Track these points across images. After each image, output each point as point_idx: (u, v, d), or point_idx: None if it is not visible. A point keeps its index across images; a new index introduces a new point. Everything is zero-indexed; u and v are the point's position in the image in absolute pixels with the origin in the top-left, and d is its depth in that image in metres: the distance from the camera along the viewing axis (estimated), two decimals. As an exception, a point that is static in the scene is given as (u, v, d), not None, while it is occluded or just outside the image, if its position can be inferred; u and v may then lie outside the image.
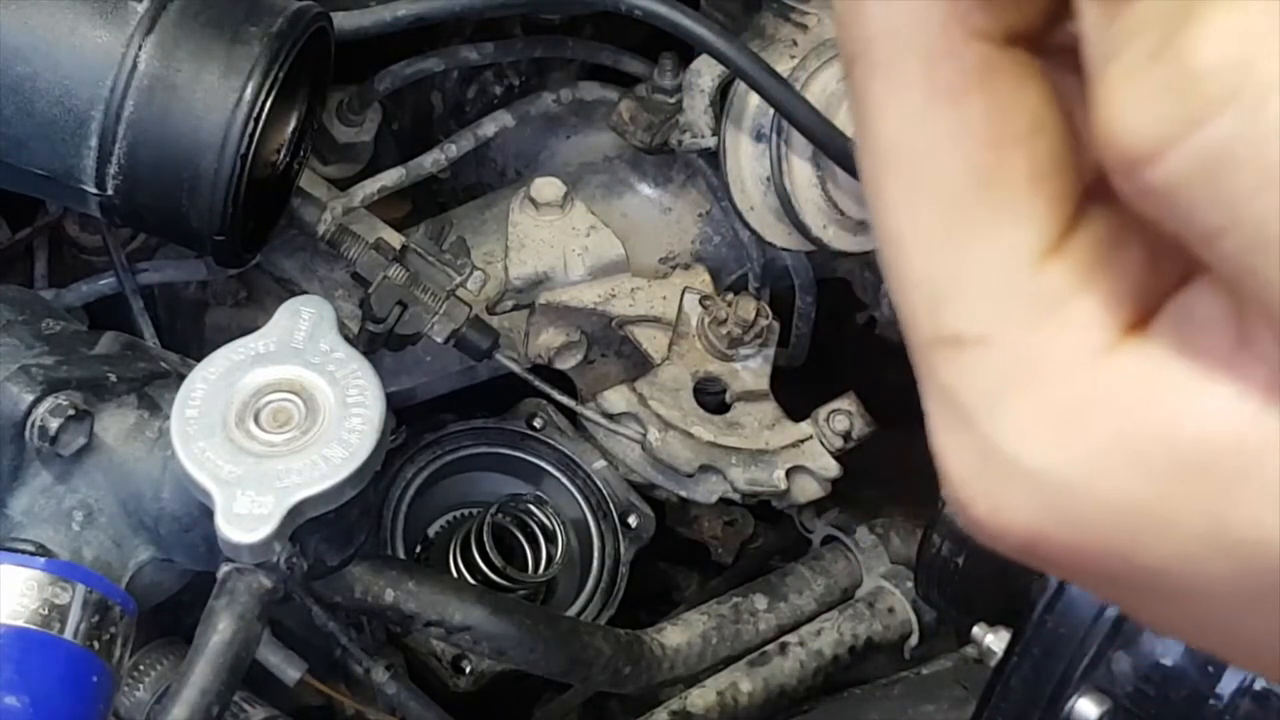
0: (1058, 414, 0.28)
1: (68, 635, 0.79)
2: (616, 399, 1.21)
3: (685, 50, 1.18)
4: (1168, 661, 0.75)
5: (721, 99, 1.19)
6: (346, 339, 0.83)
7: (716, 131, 1.19)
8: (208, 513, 0.76)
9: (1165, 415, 0.27)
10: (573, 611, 1.23)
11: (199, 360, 0.82)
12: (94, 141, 0.90)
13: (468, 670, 1.19)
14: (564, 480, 1.28)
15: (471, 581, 1.19)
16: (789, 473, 1.21)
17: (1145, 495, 0.27)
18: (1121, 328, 0.28)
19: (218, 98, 0.90)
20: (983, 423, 0.28)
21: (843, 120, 1.12)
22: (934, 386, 0.29)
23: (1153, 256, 0.28)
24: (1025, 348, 0.28)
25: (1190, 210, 0.25)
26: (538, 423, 1.30)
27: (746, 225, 1.22)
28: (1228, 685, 0.73)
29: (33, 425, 0.81)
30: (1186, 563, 0.27)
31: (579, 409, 1.22)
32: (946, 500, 0.30)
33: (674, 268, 1.29)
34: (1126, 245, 0.28)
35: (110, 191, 0.92)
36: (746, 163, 1.19)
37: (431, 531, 1.27)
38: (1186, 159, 0.24)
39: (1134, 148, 0.25)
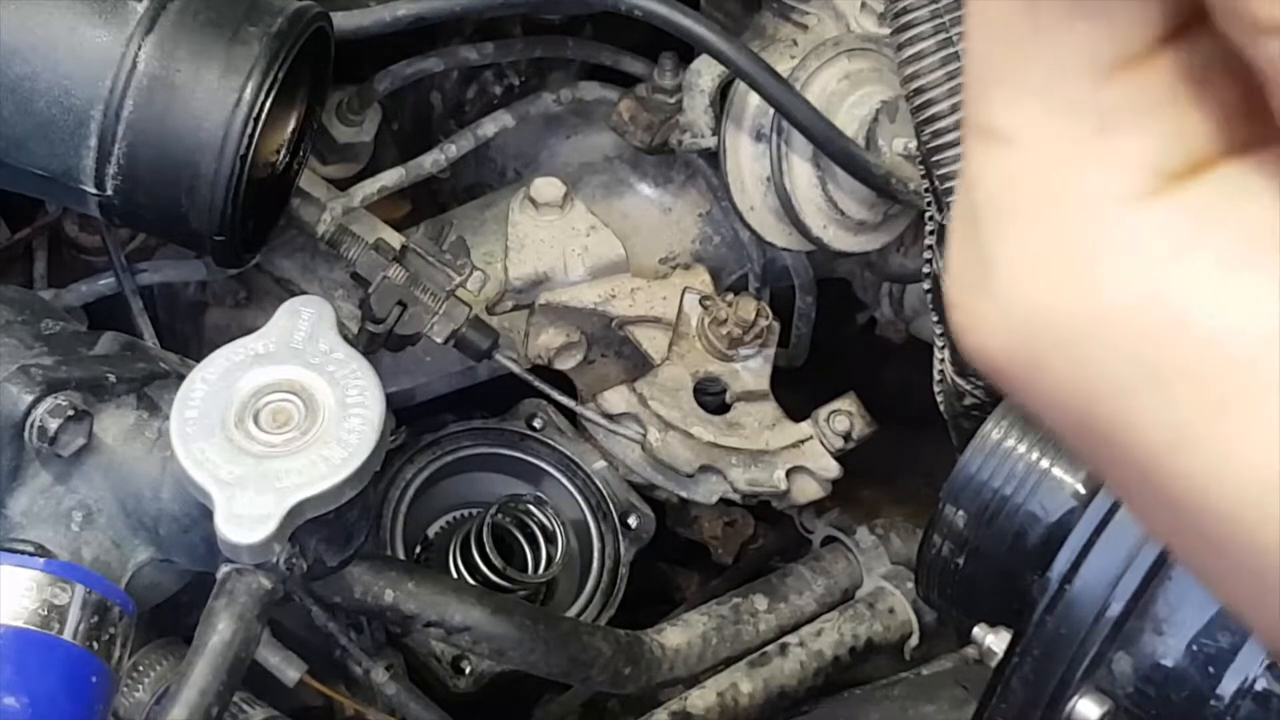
0: (1066, 252, 0.25)
1: (67, 636, 0.79)
2: (616, 399, 1.21)
3: (685, 50, 1.18)
4: (1168, 662, 0.75)
5: (721, 99, 1.19)
6: (346, 339, 0.83)
7: (716, 131, 1.19)
8: (207, 513, 0.76)
9: (1181, 298, 0.24)
10: (573, 612, 1.23)
11: (198, 361, 0.82)
12: (93, 141, 0.90)
13: (467, 671, 1.19)
14: (564, 481, 1.28)
15: (471, 582, 1.19)
16: (789, 473, 1.21)
17: (1127, 378, 0.24)
18: (1168, 173, 0.25)
19: (217, 98, 0.90)
20: (988, 231, 0.26)
21: (843, 120, 1.12)
22: (962, 174, 0.27)
23: (1240, 102, 0.25)
24: (1057, 164, 0.25)
25: None
26: (537, 423, 1.30)
27: (746, 225, 1.22)
28: (1228, 686, 0.73)
29: (32, 426, 0.81)
30: (1150, 465, 0.25)
31: (579, 409, 1.22)
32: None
33: (674, 268, 1.29)
34: (1209, 84, 0.25)
35: (110, 192, 0.92)
36: (746, 163, 1.19)
37: (431, 532, 1.27)
38: None
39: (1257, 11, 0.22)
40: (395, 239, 1.15)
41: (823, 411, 1.24)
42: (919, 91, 0.92)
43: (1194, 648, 0.74)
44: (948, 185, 0.92)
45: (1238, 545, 0.24)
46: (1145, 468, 0.25)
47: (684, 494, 1.23)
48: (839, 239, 1.18)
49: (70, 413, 0.81)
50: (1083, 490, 0.81)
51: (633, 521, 1.28)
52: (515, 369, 1.18)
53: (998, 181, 0.26)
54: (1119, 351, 0.25)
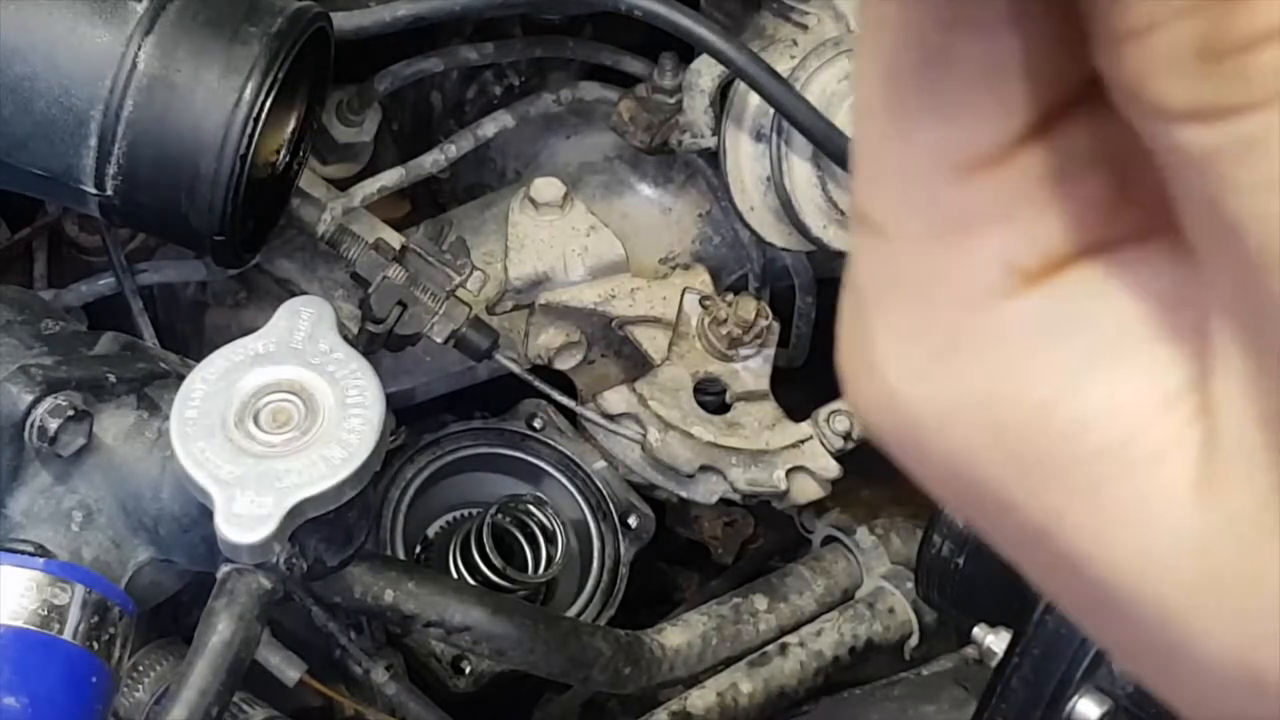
0: (929, 345, 0.26)
1: (67, 636, 0.79)
2: (616, 399, 1.21)
3: (685, 50, 1.18)
4: (1168, 662, 0.75)
5: (721, 99, 1.19)
6: (346, 339, 0.83)
7: (716, 131, 1.19)
8: (207, 513, 0.76)
9: (1038, 393, 0.25)
10: (573, 612, 1.23)
11: (198, 361, 0.82)
12: (93, 141, 0.90)
13: (467, 671, 1.19)
14: (564, 481, 1.28)
15: (471, 582, 1.19)
16: (789, 473, 1.21)
17: (994, 467, 0.25)
18: (1026, 272, 0.25)
19: (217, 98, 0.90)
20: (864, 314, 0.27)
21: (843, 120, 1.11)
22: (850, 252, 0.27)
23: (1103, 200, 0.25)
24: (918, 259, 0.25)
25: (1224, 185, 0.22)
26: (537, 423, 1.30)
27: (746, 225, 1.22)
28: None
29: (32, 426, 0.81)
30: (1028, 548, 0.26)
31: (579, 409, 1.22)
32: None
33: (674, 268, 1.29)
34: (1072, 181, 0.25)
35: (110, 192, 0.92)
36: (746, 163, 1.18)
37: (431, 532, 1.27)
38: (1230, 135, 0.21)
39: (1171, 107, 0.22)
40: (395, 239, 1.15)
41: (823, 411, 1.24)
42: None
43: (1194, 647, 0.74)
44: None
45: (1128, 617, 0.25)
46: (1023, 548, 0.26)
47: (684, 494, 1.23)
48: (839, 239, 1.18)
49: (70, 413, 0.81)
50: (1083, 490, 0.81)
51: (633, 521, 1.28)
52: (515, 369, 1.18)
53: (870, 268, 0.26)
54: (983, 443, 0.25)
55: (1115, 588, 0.25)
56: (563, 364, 1.26)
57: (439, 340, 1.12)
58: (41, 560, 0.81)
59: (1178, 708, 0.26)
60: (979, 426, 0.25)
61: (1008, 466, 0.25)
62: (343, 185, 1.18)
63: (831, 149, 1.10)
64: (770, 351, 1.26)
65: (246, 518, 0.75)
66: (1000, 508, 0.26)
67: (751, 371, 1.25)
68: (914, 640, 1.24)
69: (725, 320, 1.23)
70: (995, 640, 0.85)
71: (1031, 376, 0.25)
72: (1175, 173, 0.23)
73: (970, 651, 1.00)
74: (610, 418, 1.21)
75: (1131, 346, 0.25)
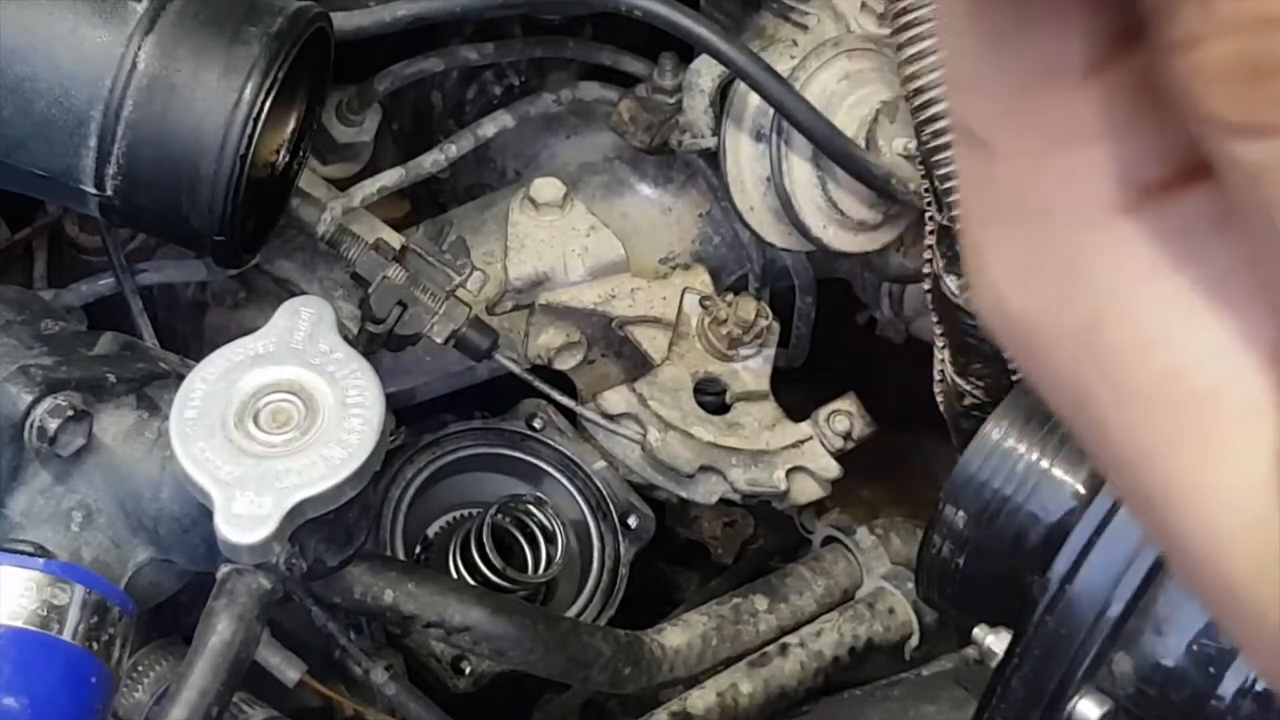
0: (1039, 261, 0.25)
1: (66, 636, 0.79)
2: (616, 399, 1.21)
3: (685, 50, 1.18)
4: (1169, 662, 0.75)
5: (721, 99, 1.19)
6: (346, 339, 0.83)
7: (716, 131, 1.19)
8: (207, 513, 0.76)
9: (1147, 323, 0.24)
10: (573, 612, 1.23)
11: (198, 361, 0.82)
12: (93, 142, 0.90)
13: (467, 671, 1.19)
14: (564, 481, 1.28)
15: (471, 582, 1.19)
16: (789, 473, 1.21)
17: (1097, 391, 0.25)
18: (1144, 185, 0.24)
19: (217, 98, 0.90)
20: (973, 231, 0.26)
21: (843, 120, 1.12)
22: (956, 167, 0.27)
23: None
24: (1029, 172, 0.25)
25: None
26: (537, 423, 1.30)
27: (746, 225, 1.22)
28: (1229, 686, 0.73)
29: (32, 426, 0.81)
30: (1122, 474, 0.26)
31: (579, 409, 1.22)
32: None
33: (674, 268, 1.29)
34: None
35: (109, 192, 0.92)
36: (746, 163, 1.18)
37: (431, 532, 1.27)
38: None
39: (1224, 118, 0.22)
40: (395, 239, 1.15)
41: (823, 411, 1.24)
42: (919, 91, 0.92)
43: (1194, 648, 0.74)
44: (948, 185, 0.92)
45: (1200, 567, 0.25)
46: (1119, 473, 0.26)
47: (684, 494, 1.23)
48: (839, 239, 1.18)
49: (70, 413, 0.81)
50: (1083, 490, 0.81)
51: (633, 521, 1.28)
52: (515, 369, 1.18)
53: (977, 184, 0.26)
54: (1088, 366, 0.25)
55: (1190, 541, 0.25)
56: (563, 364, 1.26)
57: (439, 340, 1.12)
58: (41, 560, 0.81)
59: (1238, 649, 0.26)
60: (1086, 352, 0.25)
61: (1108, 395, 0.25)
62: (343, 185, 1.18)
63: (831, 149, 1.10)
64: (770, 351, 1.26)
65: (246, 518, 0.75)
66: (1098, 431, 0.25)
67: (751, 371, 1.25)
68: (914, 640, 1.24)
69: (725, 320, 1.23)
70: (995, 640, 0.85)
71: (1139, 304, 0.24)
72: (1228, 178, 0.23)
73: (970, 652, 1.00)
74: (610, 418, 1.21)
75: (1235, 292, 0.24)
